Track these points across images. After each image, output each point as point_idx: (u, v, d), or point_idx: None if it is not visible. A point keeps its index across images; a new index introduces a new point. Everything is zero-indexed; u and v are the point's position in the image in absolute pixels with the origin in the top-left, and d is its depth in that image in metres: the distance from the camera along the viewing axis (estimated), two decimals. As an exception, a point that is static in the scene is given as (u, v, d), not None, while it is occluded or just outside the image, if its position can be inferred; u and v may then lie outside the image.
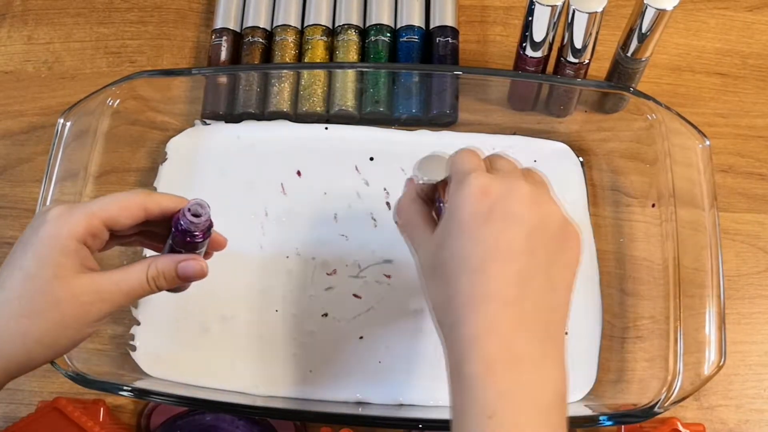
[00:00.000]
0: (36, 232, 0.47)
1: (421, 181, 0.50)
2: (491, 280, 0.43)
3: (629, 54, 0.66)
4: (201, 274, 0.51)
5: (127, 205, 0.49)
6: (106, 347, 0.64)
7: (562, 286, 0.45)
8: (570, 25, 0.63)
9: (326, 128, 0.73)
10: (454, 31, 0.76)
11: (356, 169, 0.71)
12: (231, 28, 0.77)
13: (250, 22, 0.76)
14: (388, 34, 0.76)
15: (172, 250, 0.51)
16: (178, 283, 0.51)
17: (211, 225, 0.51)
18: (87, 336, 0.49)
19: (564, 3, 0.62)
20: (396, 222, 0.52)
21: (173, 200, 0.51)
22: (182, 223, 0.49)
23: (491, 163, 0.49)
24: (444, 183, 0.49)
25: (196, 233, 0.50)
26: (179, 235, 0.50)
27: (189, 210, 0.49)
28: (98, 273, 0.48)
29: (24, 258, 0.47)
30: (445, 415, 0.62)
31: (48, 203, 0.63)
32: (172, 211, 0.50)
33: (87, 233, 0.47)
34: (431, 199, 0.51)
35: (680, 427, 0.60)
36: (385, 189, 0.70)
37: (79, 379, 0.58)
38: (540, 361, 0.43)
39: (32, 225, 0.49)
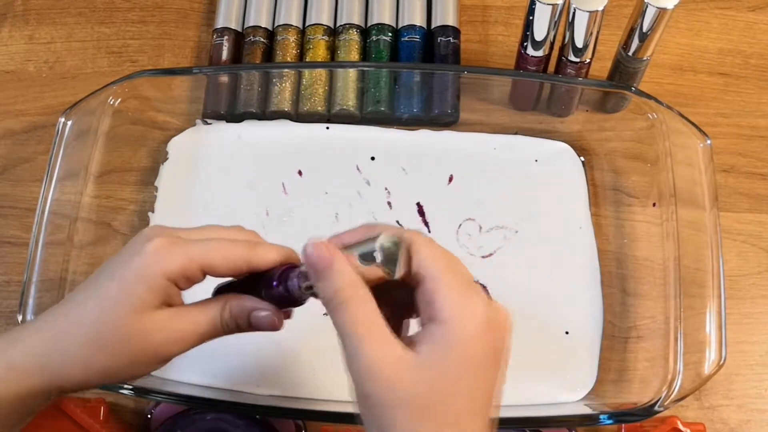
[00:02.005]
0: (129, 261, 0.44)
1: (378, 262, 0.40)
2: (481, 418, 0.41)
3: (630, 53, 0.66)
4: (273, 329, 0.46)
5: (230, 257, 0.44)
6: (107, 346, 0.64)
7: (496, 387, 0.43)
8: (571, 25, 0.63)
9: (327, 128, 0.73)
10: (455, 31, 0.76)
11: (357, 168, 0.71)
12: (232, 27, 0.77)
13: (251, 22, 0.76)
14: (390, 34, 0.76)
15: (254, 288, 0.46)
16: (249, 330, 0.47)
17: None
18: (150, 372, 0.46)
19: (565, 2, 0.62)
20: (327, 305, 0.42)
21: (281, 254, 0.46)
22: (290, 285, 0.44)
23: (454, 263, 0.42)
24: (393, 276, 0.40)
25: (298, 301, 0.45)
26: (278, 291, 0.45)
27: (307, 281, 0.43)
28: (172, 310, 0.44)
29: (108, 283, 0.44)
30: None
31: (48, 203, 0.63)
32: (277, 265, 0.45)
33: (181, 275, 0.44)
34: (378, 289, 0.41)
35: (680, 426, 0.60)
36: (386, 189, 0.70)
37: (80, 378, 0.57)
38: None
39: (128, 249, 0.45)
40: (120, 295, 0.43)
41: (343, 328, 0.40)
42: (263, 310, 0.46)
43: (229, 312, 0.46)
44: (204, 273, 0.45)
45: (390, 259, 0.39)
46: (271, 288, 0.45)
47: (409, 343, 0.40)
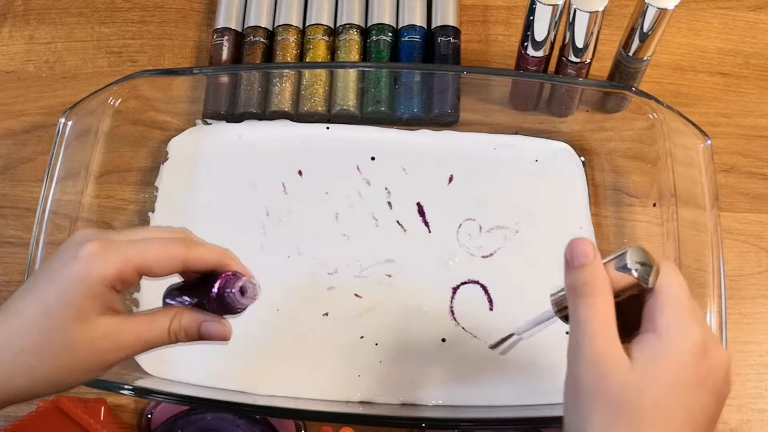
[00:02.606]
0: (65, 267, 0.43)
1: (619, 269, 0.43)
2: None
3: (631, 53, 0.66)
4: (223, 339, 0.48)
5: (165, 256, 0.45)
6: (107, 346, 0.64)
7: None
8: (571, 25, 0.63)
9: (327, 128, 0.73)
10: (455, 31, 0.75)
11: (357, 168, 0.71)
12: (232, 27, 0.77)
13: (251, 22, 0.76)
14: (390, 34, 0.76)
15: (199, 303, 0.47)
16: (197, 341, 0.47)
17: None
18: (95, 379, 0.46)
19: (565, 2, 0.62)
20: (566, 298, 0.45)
21: (216, 255, 0.47)
22: (227, 293, 0.46)
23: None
24: (638, 287, 0.43)
25: (238, 309, 0.46)
26: (217, 301, 0.46)
27: (241, 288, 0.46)
28: (120, 318, 0.45)
29: (46, 292, 0.44)
30: (446, 413, 0.62)
31: (49, 203, 0.63)
32: (212, 266, 0.46)
33: (117, 279, 0.44)
34: (615, 295, 0.44)
35: (682, 427, 0.60)
36: (386, 188, 0.70)
37: (80, 378, 0.57)
38: None
39: (62, 255, 0.45)
40: (60, 303, 0.43)
41: (582, 317, 0.43)
42: (214, 322, 0.47)
43: (179, 323, 0.46)
44: (140, 274, 0.45)
45: (643, 273, 0.43)
46: (214, 300, 0.46)
47: (626, 349, 0.43)
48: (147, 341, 0.46)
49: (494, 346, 0.54)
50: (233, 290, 0.46)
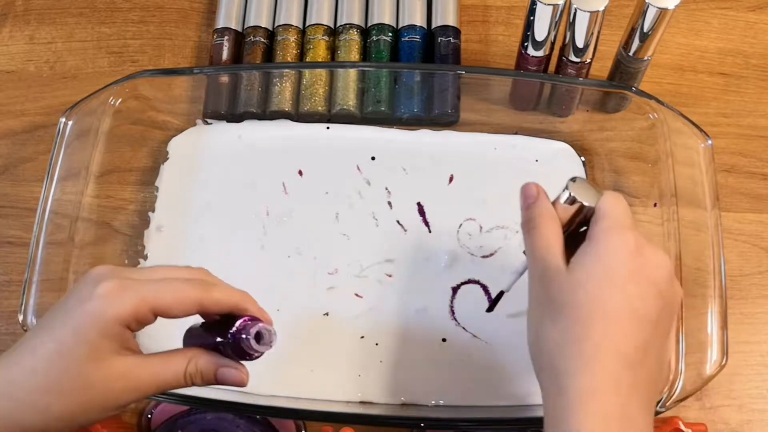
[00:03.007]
0: (80, 306, 0.43)
1: (566, 202, 0.49)
2: (624, 336, 0.44)
3: (631, 53, 0.66)
4: (240, 385, 0.47)
5: (182, 297, 0.45)
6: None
7: (664, 365, 0.48)
8: (572, 25, 0.63)
9: (328, 128, 0.73)
10: (455, 31, 0.75)
11: (358, 168, 0.71)
12: (233, 27, 0.77)
13: (251, 22, 0.76)
14: (390, 34, 0.76)
15: (216, 346, 0.47)
16: (213, 384, 0.47)
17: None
18: (105, 418, 0.46)
19: (565, 2, 0.62)
20: (524, 232, 0.50)
21: (233, 299, 0.46)
22: (242, 339, 0.45)
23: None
24: (583, 213, 0.49)
25: (252, 355, 0.46)
26: (232, 346, 0.46)
27: (256, 334, 0.46)
28: (136, 359, 0.45)
29: (62, 330, 0.43)
30: (446, 413, 0.62)
31: (49, 203, 0.63)
32: (229, 309, 0.46)
33: (133, 319, 0.44)
34: (561, 222, 0.49)
35: (682, 427, 0.60)
36: (386, 188, 0.70)
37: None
38: (644, 428, 0.43)
39: (79, 293, 0.44)
40: (76, 342, 0.43)
41: (528, 245, 0.49)
42: (231, 367, 0.47)
43: (195, 366, 0.46)
44: (156, 315, 0.45)
45: (583, 197, 0.48)
46: (231, 345, 0.46)
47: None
48: (162, 383, 0.45)
49: (490, 309, 0.59)
50: (249, 336, 0.45)
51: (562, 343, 0.45)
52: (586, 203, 0.48)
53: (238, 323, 0.46)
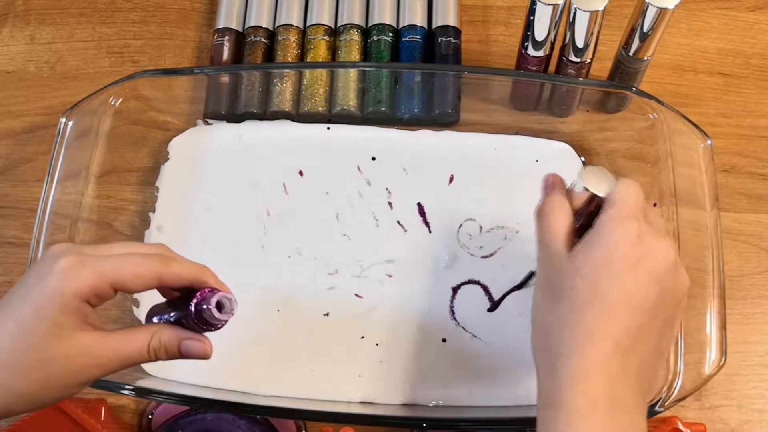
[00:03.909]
0: (39, 282, 0.43)
1: (579, 189, 0.50)
2: (616, 323, 0.45)
3: (631, 53, 0.66)
4: (204, 357, 0.48)
5: (141, 273, 0.45)
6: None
7: (663, 354, 0.48)
8: (572, 25, 0.63)
9: (328, 128, 0.73)
10: (456, 31, 0.76)
11: (358, 168, 0.71)
12: (233, 27, 0.77)
13: (252, 22, 0.76)
14: (391, 34, 0.76)
15: (179, 320, 0.48)
16: (178, 358, 0.48)
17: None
18: (71, 396, 0.46)
19: (565, 2, 0.62)
20: (536, 219, 0.51)
21: (192, 271, 0.47)
22: (204, 309, 0.46)
23: (645, 214, 0.49)
24: (596, 201, 0.49)
25: (216, 324, 0.47)
26: (195, 317, 0.46)
27: (217, 303, 0.46)
28: (97, 334, 0.45)
29: (22, 307, 0.43)
30: (446, 413, 0.62)
31: (50, 203, 0.63)
32: (189, 283, 0.47)
33: (92, 293, 0.44)
34: (574, 210, 0.50)
35: (681, 427, 0.60)
36: (386, 189, 0.70)
37: (81, 378, 0.57)
38: (634, 410, 0.44)
39: (37, 270, 0.44)
40: (36, 318, 0.43)
41: (538, 232, 0.50)
42: (194, 340, 0.47)
43: (159, 340, 0.46)
44: (115, 289, 0.45)
45: (595, 187, 0.49)
46: (192, 316, 0.46)
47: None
48: (125, 358, 0.45)
49: (520, 286, 0.62)
50: (210, 306, 0.46)
51: (558, 327, 0.46)
52: (597, 192, 0.49)
53: (197, 295, 0.46)
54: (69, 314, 0.43)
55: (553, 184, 0.52)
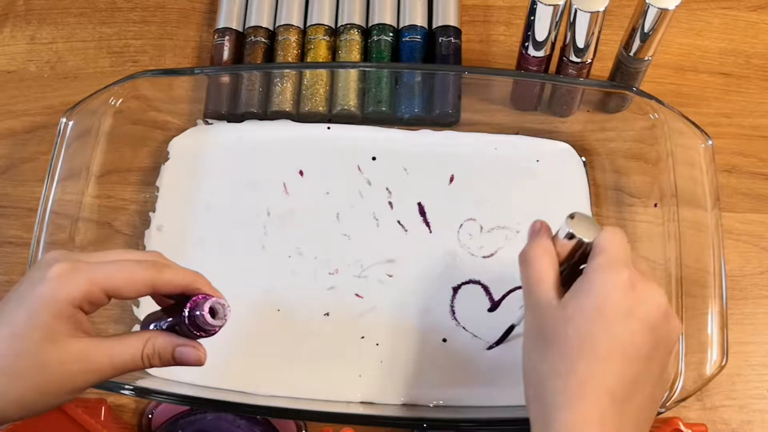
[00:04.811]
0: (32, 289, 0.44)
1: (565, 237, 0.49)
2: (610, 374, 0.44)
3: (632, 53, 0.66)
4: (197, 363, 0.48)
5: (133, 279, 0.45)
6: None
7: (657, 402, 0.47)
8: (572, 25, 0.63)
9: (328, 128, 0.73)
10: (456, 31, 0.75)
11: (358, 168, 0.71)
12: (233, 27, 0.77)
13: (252, 22, 0.76)
14: (391, 34, 0.76)
15: (173, 327, 0.48)
16: (172, 364, 0.48)
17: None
18: (65, 402, 0.46)
19: (566, 2, 0.62)
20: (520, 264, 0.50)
21: (185, 278, 0.47)
22: (197, 315, 0.46)
23: (633, 261, 0.48)
24: (582, 248, 0.49)
25: (209, 330, 0.47)
26: (188, 323, 0.46)
27: (210, 309, 0.46)
28: (91, 341, 0.45)
29: (16, 313, 0.43)
30: (446, 414, 0.62)
31: (50, 203, 0.63)
32: (182, 289, 0.47)
33: (85, 300, 0.44)
34: (560, 257, 0.49)
35: (682, 427, 0.59)
36: (387, 189, 0.70)
37: (81, 378, 0.57)
38: None
39: (31, 277, 0.45)
40: (30, 325, 0.43)
41: (523, 278, 0.49)
42: (188, 346, 0.47)
43: (153, 347, 0.46)
44: (108, 296, 0.45)
45: (581, 233, 0.48)
46: (186, 323, 0.46)
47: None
48: (119, 365, 0.45)
49: (498, 343, 0.61)
50: (203, 312, 0.46)
51: (550, 376, 0.45)
52: (583, 239, 0.48)
53: (191, 301, 0.46)
54: (62, 321, 0.43)
55: (539, 230, 0.51)
